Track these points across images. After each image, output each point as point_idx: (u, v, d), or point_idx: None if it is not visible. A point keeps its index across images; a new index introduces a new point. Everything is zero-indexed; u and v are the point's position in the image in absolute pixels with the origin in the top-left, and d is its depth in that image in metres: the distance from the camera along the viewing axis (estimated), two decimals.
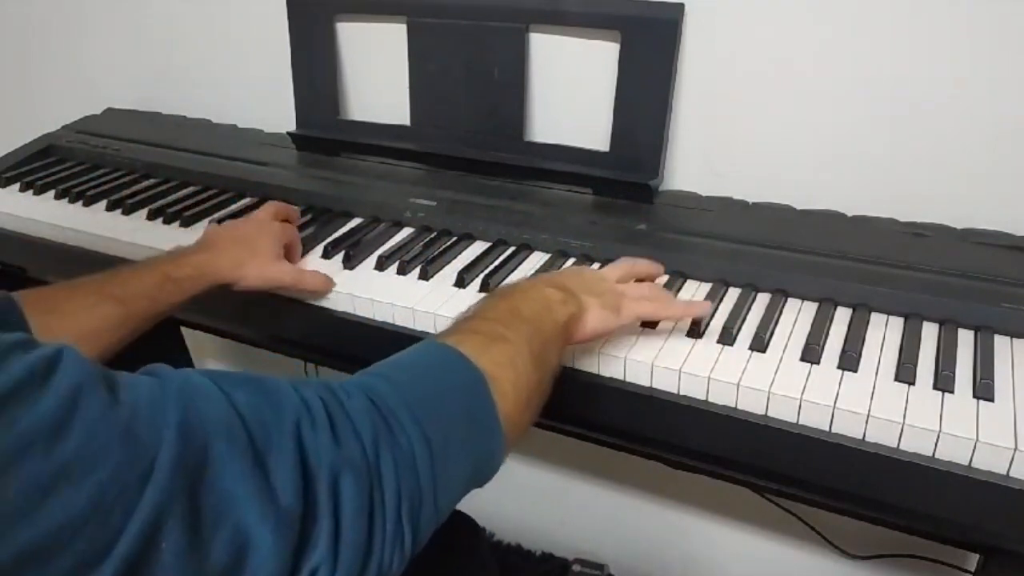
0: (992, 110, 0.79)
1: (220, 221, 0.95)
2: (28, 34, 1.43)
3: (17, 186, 1.09)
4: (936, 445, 0.58)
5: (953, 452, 0.57)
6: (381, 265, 0.84)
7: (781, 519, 1.10)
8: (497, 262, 0.83)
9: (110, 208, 1.01)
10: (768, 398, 0.63)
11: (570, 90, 0.97)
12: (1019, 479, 0.56)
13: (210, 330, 1.16)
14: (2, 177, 1.11)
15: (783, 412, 0.62)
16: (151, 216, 0.98)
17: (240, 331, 1.01)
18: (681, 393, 0.66)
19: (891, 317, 0.71)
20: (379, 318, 0.79)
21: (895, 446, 0.59)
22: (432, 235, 0.90)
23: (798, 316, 0.72)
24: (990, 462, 0.56)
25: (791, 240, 0.80)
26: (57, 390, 0.33)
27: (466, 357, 0.49)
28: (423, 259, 0.84)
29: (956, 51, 0.79)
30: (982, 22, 0.77)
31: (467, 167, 1.01)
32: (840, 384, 0.63)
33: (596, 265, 0.81)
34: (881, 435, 0.59)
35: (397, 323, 0.78)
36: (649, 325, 0.71)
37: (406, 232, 0.91)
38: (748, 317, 0.72)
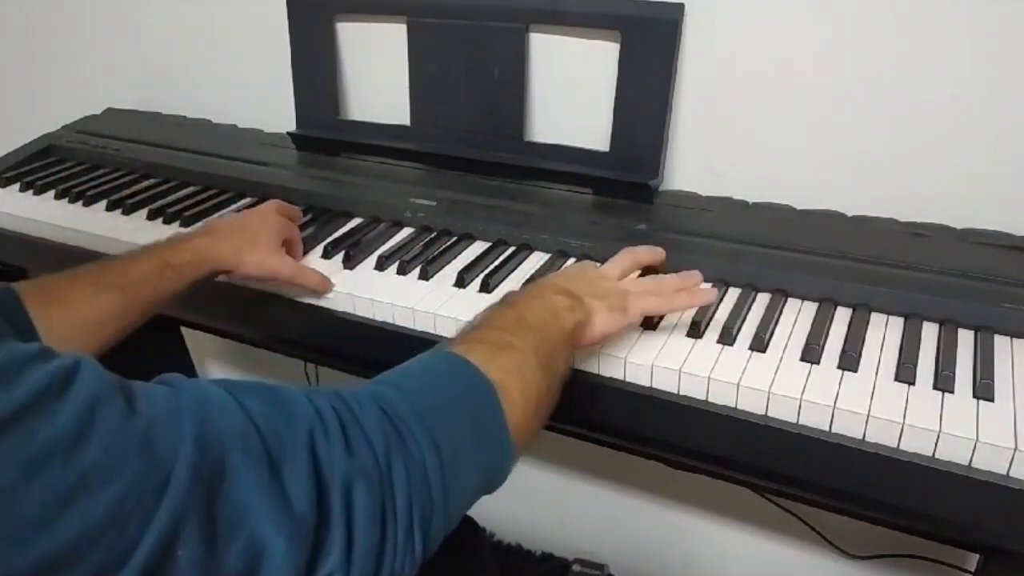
0: (992, 110, 0.79)
1: None
2: (28, 34, 1.43)
3: (17, 186, 1.09)
4: (936, 445, 0.58)
5: (953, 452, 0.57)
6: (381, 265, 0.84)
7: (781, 519, 1.10)
8: (497, 262, 0.83)
9: (110, 208, 1.01)
10: (768, 398, 0.63)
11: (570, 90, 0.97)
12: (1019, 479, 0.56)
13: (210, 330, 1.16)
14: (2, 177, 1.11)
15: (783, 412, 0.62)
16: (151, 216, 0.98)
17: (240, 331, 1.01)
18: (681, 393, 0.66)
19: (891, 317, 0.71)
20: (379, 318, 0.79)
21: (895, 446, 0.59)
22: (432, 235, 0.90)
23: (798, 316, 0.72)
24: (990, 462, 0.56)
25: (791, 240, 0.80)
26: (75, 401, 0.33)
27: (475, 366, 0.50)
28: (423, 259, 0.84)
29: (956, 51, 0.79)
30: (982, 22, 0.77)
31: (467, 167, 1.01)
32: (840, 384, 0.63)
33: (596, 265, 0.82)
34: (881, 435, 0.59)
35: (397, 323, 0.78)
36: (649, 326, 0.71)
37: (406, 232, 0.91)
38: (748, 317, 0.72)
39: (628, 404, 0.68)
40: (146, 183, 1.08)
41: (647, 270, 0.75)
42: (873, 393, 0.61)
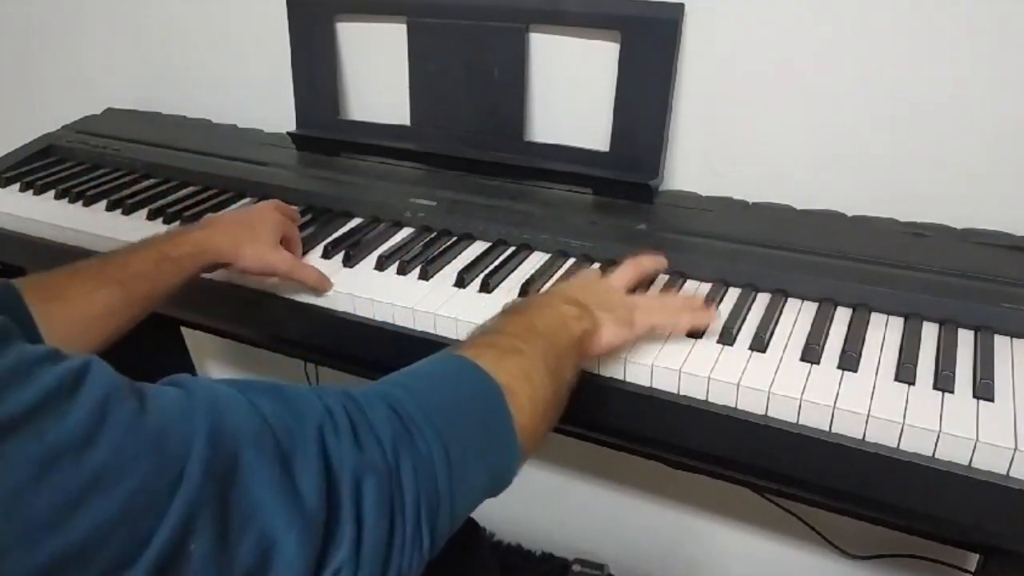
0: (992, 110, 0.79)
1: None
2: (28, 34, 1.43)
3: (17, 186, 1.09)
4: (936, 445, 0.58)
5: (953, 452, 0.57)
6: (381, 265, 0.84)
7: (781, 519, 1.10)
8: (497, 262, 0.83)
9: (110, 208, 1.01)
10: (768, 398, 0.63)
11: (570, 90, 0.97)
12: (1019, 479, 0.56)
13: (210, 330, 1.16)
14: (2, 177, 1.11)
15: (783, 412, 0.62)
16: (151, 216, 0.98)
17: (240, 331, 1.01)
18: (681, 393, 0.66)
19: (891, 317, 0.71)
20: (379, 318, 0.79)
21: (895, 446, 0.59)
22: (432, 235, 0.90)
23: (798, 316, 0.72)
24: (990, 462, 0.56)
25: (791, 240, 0.80)
26: (85, 402, 0.33)
27: (483, 369, 0.50)
28: (423, 259, 0.84)
29: (956, 51, 0.79)
30: (982, 22, 0.77)
31: (467, 167, 1.01)
32: (840, 384, 0.63)
33: (596, 265, 0.82)
34: (881, 435, 0.59)
35: (397, 323, 0.78)
36: None
37: (406, 232, 0.91)
38: (748, 317, 0.72)
39: (628, 404, 0.68)
40: (146, 183, 1.08)
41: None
42: (873, 393, 0.61)
